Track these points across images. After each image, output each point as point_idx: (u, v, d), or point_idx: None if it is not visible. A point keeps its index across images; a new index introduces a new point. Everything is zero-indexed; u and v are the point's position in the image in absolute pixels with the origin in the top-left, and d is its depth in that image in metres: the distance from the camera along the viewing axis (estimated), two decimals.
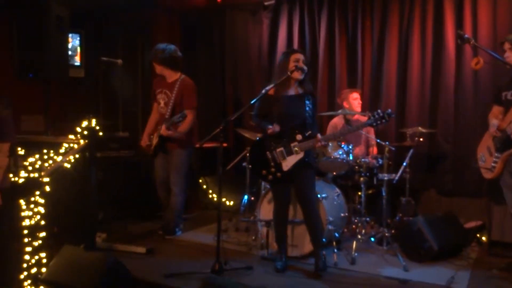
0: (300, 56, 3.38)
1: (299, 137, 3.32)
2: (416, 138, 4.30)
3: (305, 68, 3.37)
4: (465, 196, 4.68)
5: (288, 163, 3.33)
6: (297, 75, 3.35)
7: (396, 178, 4.09)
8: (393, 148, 4.17)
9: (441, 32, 4.75)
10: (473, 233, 4.11)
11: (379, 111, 3.25)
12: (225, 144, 5.75)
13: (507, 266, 3.40)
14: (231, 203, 5.35)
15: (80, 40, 5.29)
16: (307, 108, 3.36)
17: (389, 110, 3.26)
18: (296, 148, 3.31)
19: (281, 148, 3.35)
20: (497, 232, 3.78)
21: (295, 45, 5.49)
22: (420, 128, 4.32)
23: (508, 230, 3.64)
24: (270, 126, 3.34)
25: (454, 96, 4.71)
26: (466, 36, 3.03)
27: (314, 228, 3.43)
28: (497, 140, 3.30)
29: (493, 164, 3.32)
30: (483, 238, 4.04)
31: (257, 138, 3.52)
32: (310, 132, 3.33)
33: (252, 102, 3.40)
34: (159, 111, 4.27)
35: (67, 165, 3.61)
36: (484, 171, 3.43)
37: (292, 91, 3.42)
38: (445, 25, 4.72)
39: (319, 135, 3.29)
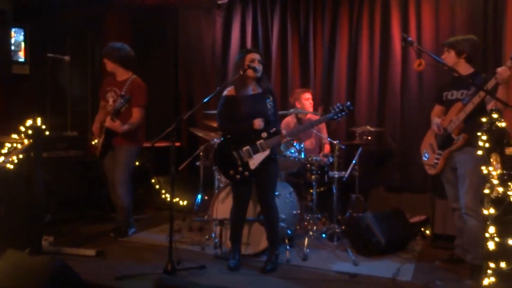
0: (256, 56, 3.41)
1: (264, 134, 3.36)
2: (365, 137, 4.46)
3: (258, 68, 3.40)
4: (411, 192, 4.89)
5: (255, 161, 3.35)
6: (252, 74, 3.38)
7: (346, 175, 4.23)
8: (343, 147, 4.29)
9: (388, 35, 4.93)
10: (417, 227, 4.31)
11: (338, 104, 3.37)
12: (178, 144, 5.69)
13: (449, 257, 3.57)
14: (185, 202, 5.30)
15: (25, 35, 5.06)
16: (269, 106, 3.40)
17: (348, 103, 3.37)
18: (262, 146, 3.34)
19: (247, 147, 3.37)
20: (439, 225, 3.97)
21: (248, 44, 5.52)
22: (368, 127, 4.48)
23: (449, 223, 3.82)
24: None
25: (400, 96, 4.91)
26: (409, 39, 3.16)
27: (272, 228, 3.48)
28: (439, 137, 3.46)
29: (435, 161, 3.48)
30: (427, 232, 4.23)
31: (222, 138, 3.51)
32: (274, 129, 3.38)
33: (205, 100, 3.38)
34: (106, 109, 4.18)
35: (10, 166, 3.44)
36: (427, 168, 3.59)
37: (250, 91, 3.45)
38: (391, 29, 4.91)
39: (283, 131, 3.36)
